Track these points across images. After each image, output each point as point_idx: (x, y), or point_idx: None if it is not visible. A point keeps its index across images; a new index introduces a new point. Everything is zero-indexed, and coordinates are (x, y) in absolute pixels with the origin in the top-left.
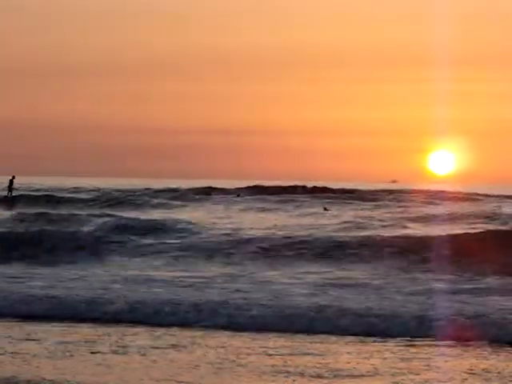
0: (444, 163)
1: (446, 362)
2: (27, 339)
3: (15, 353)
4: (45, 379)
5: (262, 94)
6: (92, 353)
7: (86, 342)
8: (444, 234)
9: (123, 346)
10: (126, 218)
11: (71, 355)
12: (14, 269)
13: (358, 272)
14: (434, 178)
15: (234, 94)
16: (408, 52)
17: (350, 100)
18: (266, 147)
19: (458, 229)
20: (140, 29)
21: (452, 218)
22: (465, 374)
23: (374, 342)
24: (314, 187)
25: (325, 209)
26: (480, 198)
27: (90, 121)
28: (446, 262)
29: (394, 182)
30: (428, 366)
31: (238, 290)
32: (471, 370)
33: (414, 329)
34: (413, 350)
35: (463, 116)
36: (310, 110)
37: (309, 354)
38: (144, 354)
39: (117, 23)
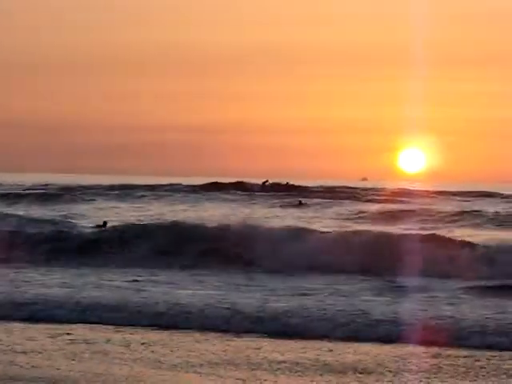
0: (415, 161)
1: None
2: None
3: None
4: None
5: (233, 92)
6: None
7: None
8: None
9: None
10: None
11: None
12: None
13: None
14: (404, 176)
15: (207, 92)
16: (379, 51)
17: (320, 98)
18: (240, 145)
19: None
20: (106, 26)
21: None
22: None
23: None
24: (275, 183)
25: (300, 202)
26: (437, 196)
27: (57, 119)
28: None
29: (364, 179)
30: None
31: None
32: None
33: None
34: None
35: (434, 115)
36: (281, 108)
37: None
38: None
39: (85, 19)
